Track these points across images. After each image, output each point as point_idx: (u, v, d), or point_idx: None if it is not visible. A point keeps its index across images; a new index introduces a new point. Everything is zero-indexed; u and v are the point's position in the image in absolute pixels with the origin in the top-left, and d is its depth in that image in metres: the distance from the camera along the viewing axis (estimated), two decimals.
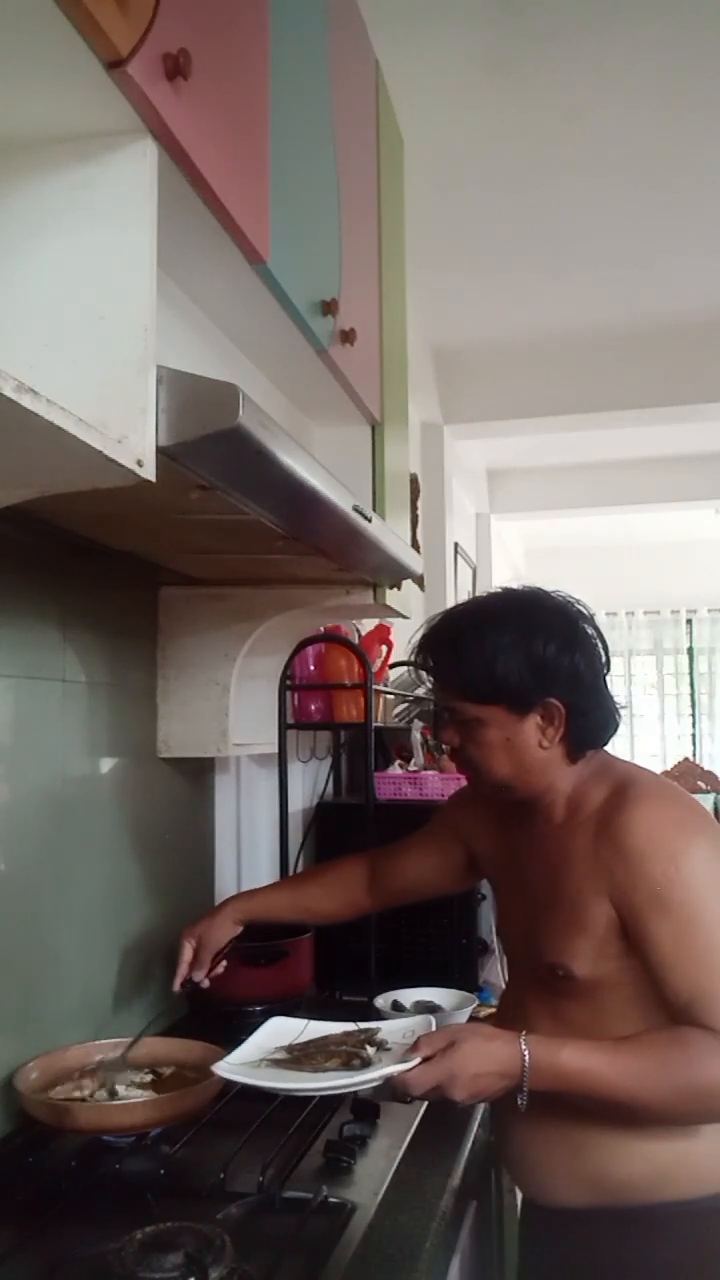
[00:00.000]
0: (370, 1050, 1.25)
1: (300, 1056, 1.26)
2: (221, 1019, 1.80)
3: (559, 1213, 1.31)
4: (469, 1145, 1.42)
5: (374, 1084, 1.18)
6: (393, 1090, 1.16)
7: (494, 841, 1.50)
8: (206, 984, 1.61)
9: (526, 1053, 1.16)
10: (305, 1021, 1.38)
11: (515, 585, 1.40)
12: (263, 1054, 1.28)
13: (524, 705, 1.30)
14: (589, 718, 1.32)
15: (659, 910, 1.20)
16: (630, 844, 1.23)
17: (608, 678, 1.36)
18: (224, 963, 1.64)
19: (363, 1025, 1.33)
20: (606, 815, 1.27)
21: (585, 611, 1.37)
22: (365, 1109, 1.41)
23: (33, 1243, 1.08)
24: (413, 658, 1.41)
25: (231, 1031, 1.48)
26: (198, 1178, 1.23)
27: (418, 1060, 1.15)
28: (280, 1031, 1.35)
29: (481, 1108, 1.48)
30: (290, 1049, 1.29)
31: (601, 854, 1.25)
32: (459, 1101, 1.15)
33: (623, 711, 1.39)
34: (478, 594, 1.44)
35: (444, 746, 1.42)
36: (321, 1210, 1.15)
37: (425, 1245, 1.13)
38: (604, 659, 1.36)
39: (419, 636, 1.39)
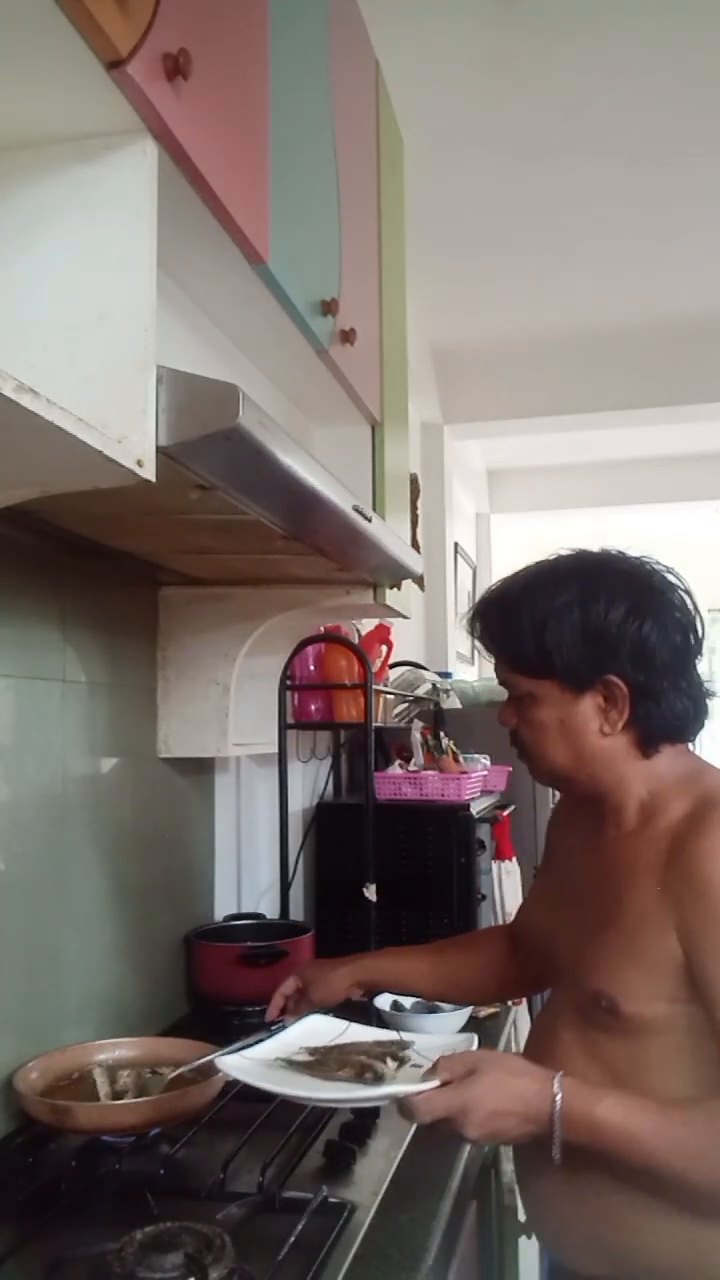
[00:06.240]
0: (391, 1065, 1.15)
1: (318, 1061, 1.20)
2: (221, 1019, 1.80)
3: (583, 1279, 1.17)
4: (469, 1145, 1.42)
5: (378, 1102, 1.11)
6: (400, 1114, 1.07)
7: (563, 839, 1.34)
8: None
9: (559, 1098, 1.02)
10: (346, 1024, 1.31)
11: (592, 548, 1.21)
12: (285, 1052, 1.23)
13: (579, 681, 1.14)
14: (662, 703, 1.14)
15: None
16: (706, 875, 1.05)
17: (697, 659, 1.16)
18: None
19: (405, 1036, 1.24)
20: (683, 835, 1.09)
21: (674, 582, 1.17)
22: (365, 1110, 1.41)
23: (33, 1243, 1.08)
24: (465, 626, 1.26)
25: (232, 1032, 1.48)
26: (198, 1178, 1.23)
27: (434, 1084, 1.04)
28: (315, 1031, 1.29)
29: None
30: (314, 1051, 1.22)
31: (671, 880, 1.08)
32: (471, 1139, 1.05)
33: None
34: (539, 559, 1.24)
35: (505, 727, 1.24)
36: (321, 1210, 1.14)
37: (425, 1245, 1.13)
38: (693, 636, 1.16)
39: (476, 601, 1.25)
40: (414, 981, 1.50)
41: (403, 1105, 1.04)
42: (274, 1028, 1.38)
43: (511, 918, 1.69)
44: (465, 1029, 1.80)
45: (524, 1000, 2.30)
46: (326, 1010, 1.41)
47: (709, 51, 2.34)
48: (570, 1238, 1.18)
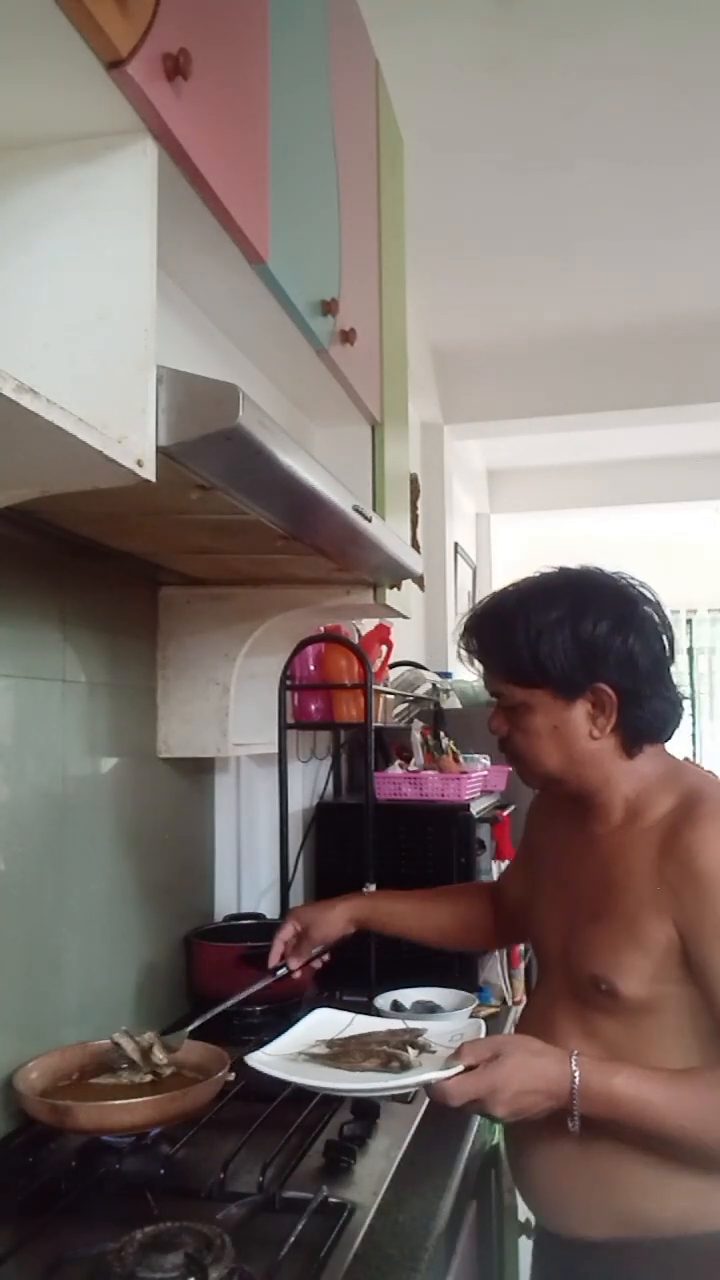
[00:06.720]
0: (412, 1053, 1.21)
1: (339, 1053, 1.24)
2: (221, 1019, 1.80)
3: (583, 1245, 1.23)
4: (469, 1145, 1.42)
5: (411, 1089, 1.16)
6: (431, 1098, 1.12)
7: (545, 835, 1.42)
8: (297, 974, 1.52)
9: (577, 1074, 1.10)
10: (352, 1016, 1.36)
11: (572, 565, 1.30)
12: (301, 1047, 1.26)
13: (571, 689, 1.22)
14: (645, 707, 1.23)
15: None
16: (700, 866, 1.14)
17: (671, 666, 1.27)
18: (326, 957, 1.54)
19: (411, 1024, 1.30)
20: (673, 829, 1.18)
21: (649, 595, 1.27)
22: (365, 1109, 1.41)
23: (33, 1243, 1.08)
24: (458, 640, 1.33)
25: (231, 1031, 1.48)
26: (198, 1178, 1.23)
27: (459, 1069, 1.10)
28: (323, 1024, 1.33)
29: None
30: (331, 1044, 1.26)
31: (666, 872, 1.16)
32: (499, 1118, 1.12)
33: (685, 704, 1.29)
34: (528, 574, 1.32)
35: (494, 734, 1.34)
36: (321, 1210, 1.15)
37: (425, 1245, 1.13)
38: (667, 645, 1.26)
39: (466, 616, 1.32)
40: (405, 921, 1.60)
41: (436, 1091, 1.11)
42: (279, 973, 1.46)
43: None
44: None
45: (524, 999, 2.30)
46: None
47: (709, 51, 2.33)
48: (572, 1208, 1.23)
